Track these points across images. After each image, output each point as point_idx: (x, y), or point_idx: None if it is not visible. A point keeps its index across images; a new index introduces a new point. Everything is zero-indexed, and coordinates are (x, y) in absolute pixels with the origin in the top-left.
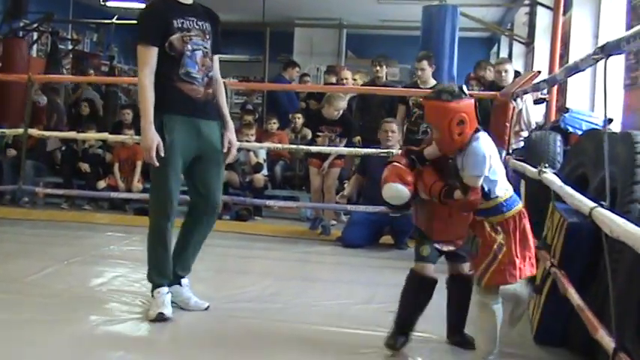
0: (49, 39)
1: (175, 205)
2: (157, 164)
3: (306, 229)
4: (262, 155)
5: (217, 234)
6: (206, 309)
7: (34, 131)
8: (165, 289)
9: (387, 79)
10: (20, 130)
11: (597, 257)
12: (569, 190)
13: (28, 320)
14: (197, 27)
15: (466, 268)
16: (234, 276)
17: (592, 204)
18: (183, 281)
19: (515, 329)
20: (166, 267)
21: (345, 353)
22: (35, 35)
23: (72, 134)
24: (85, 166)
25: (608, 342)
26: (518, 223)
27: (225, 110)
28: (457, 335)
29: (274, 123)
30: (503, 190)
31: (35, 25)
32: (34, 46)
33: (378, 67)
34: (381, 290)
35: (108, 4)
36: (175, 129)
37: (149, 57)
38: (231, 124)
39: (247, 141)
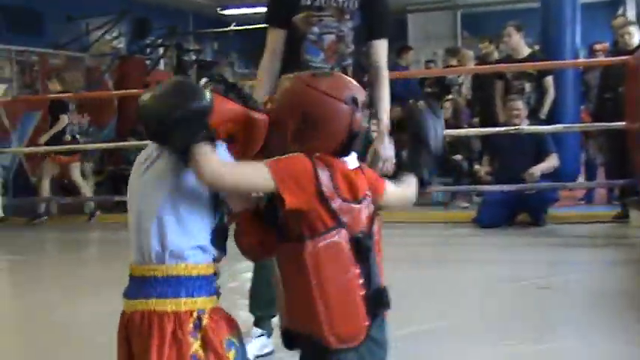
0: (173, 52)
1: None
2: None
3: (438, 213)
4: None
5: None
6: None
7: None
8: None
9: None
10: None
11: None
12: None
13: None
14: None
15: None
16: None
17: None
18: None
19: None
20: None
21: None
22: (161, 50)
23: None
24: None
25: None
26: None
27: None
28: None
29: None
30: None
31: (160, 41)
32: (161, 61)
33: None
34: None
35: (225, 12)
36: None
37: None
38: None
39: None
